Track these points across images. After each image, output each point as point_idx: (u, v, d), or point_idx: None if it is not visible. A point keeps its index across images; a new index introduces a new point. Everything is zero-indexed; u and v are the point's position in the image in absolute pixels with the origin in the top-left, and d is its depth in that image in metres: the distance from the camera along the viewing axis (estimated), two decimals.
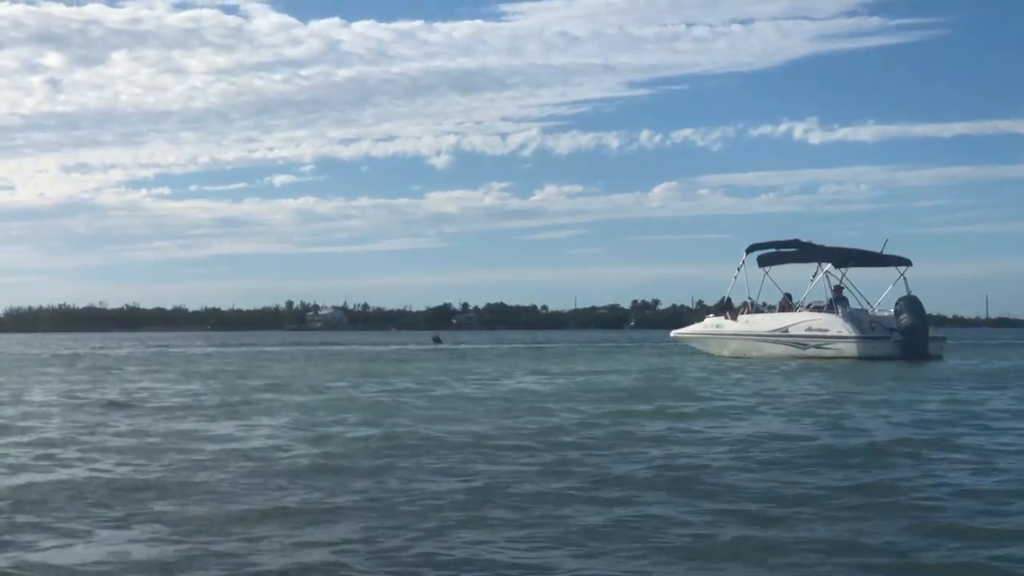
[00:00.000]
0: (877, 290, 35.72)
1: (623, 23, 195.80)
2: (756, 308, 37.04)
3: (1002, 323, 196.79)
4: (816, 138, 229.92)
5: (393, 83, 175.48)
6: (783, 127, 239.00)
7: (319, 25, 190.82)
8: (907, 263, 35.09)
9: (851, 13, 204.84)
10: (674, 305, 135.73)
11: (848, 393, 18.63)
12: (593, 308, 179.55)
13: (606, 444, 11.39)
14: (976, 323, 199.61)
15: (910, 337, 32.53)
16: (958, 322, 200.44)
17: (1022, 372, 26.03)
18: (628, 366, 31.38)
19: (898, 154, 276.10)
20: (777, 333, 34.92)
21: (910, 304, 33.13)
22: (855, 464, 9.78)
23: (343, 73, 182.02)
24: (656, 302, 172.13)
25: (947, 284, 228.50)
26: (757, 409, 15.64)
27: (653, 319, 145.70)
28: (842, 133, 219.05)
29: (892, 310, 33.60)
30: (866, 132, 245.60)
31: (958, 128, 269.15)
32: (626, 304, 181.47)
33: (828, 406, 15.99)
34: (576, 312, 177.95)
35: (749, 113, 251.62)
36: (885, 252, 35.42)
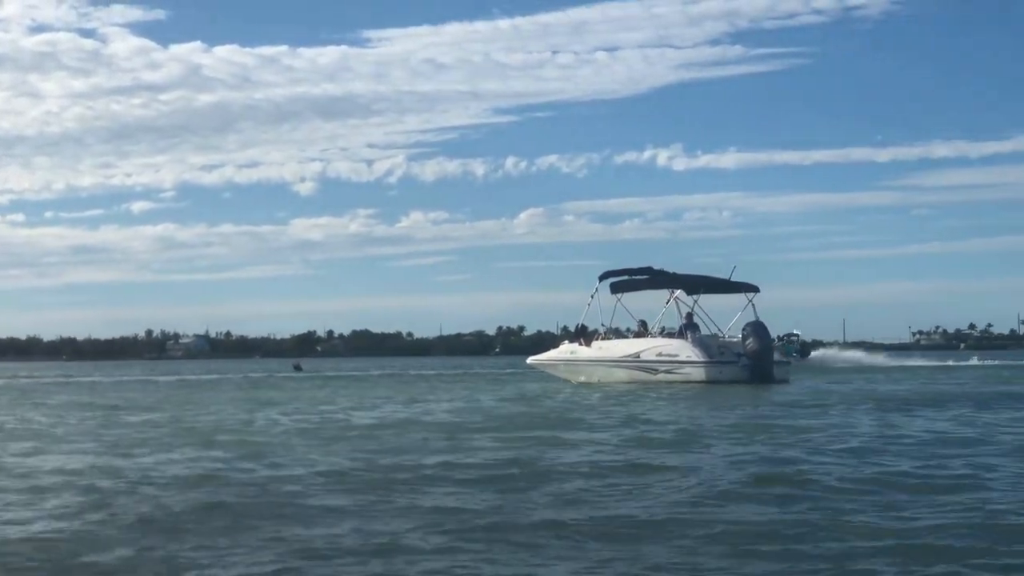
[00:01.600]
0: (730, 316, 36.51)
1: (489, 50, 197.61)
2: (621, 334, 37.59)
3: (859, 346, 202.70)
4: (680, 165, 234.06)
5: (256, 109, 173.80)
6: (647, 154, 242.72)
7: (180, 49, 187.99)
8: (755, 289, 36.05)
9: (714, 42, 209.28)
10: (539, 331, 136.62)
11: (695, 416, 18.89)
12: (459, 335, 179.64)
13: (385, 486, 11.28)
14: (834, 346, 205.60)
15: (756, 362, 33.25)
16: (817, 346, 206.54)
17: (853, 395, 26.73)
18: (451, 398, 31.29)
19: (760, 181, 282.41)
20: (629, 359, 35.40)
21: (756, 330, 33.91)
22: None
23: (204, 98, 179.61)
24: (521, 328, 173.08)
25: (807, 309, 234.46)
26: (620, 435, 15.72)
27: (518, 345, 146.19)
28: (705, 160, 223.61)
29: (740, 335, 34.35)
30: (729, 159, 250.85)
31: (818, 156, 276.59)
32: (491, 331, 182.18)
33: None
34: (442, 339, 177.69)
35: (614, 140, 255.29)
36: (733, 279, 36.31)
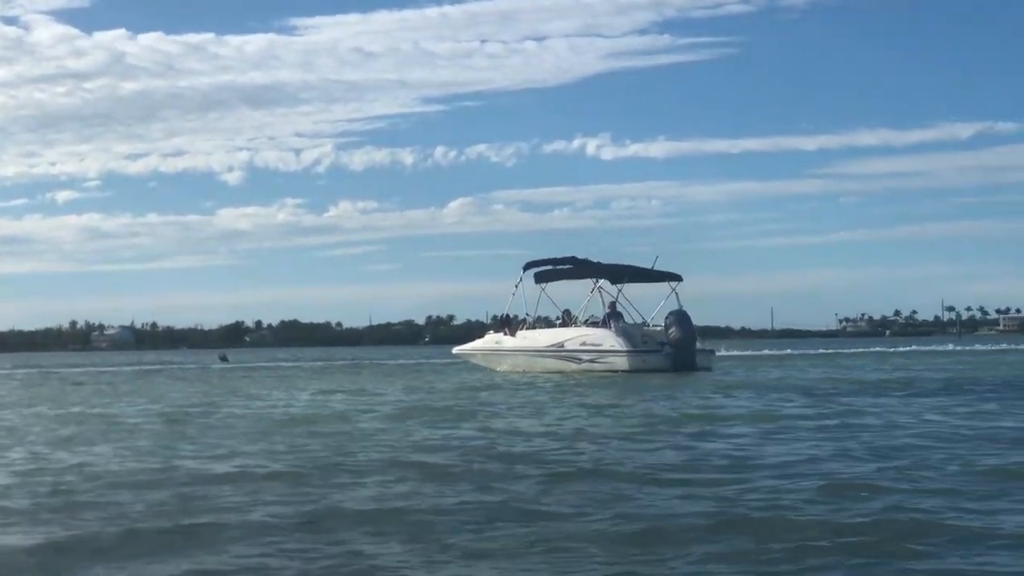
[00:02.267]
0: (655, 305, 36.61)
1: (418, 39, 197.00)
2: (549, 323, 37.63)
3: (787, 334, 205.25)
4: (608, 154, 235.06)
5: (182, 97, 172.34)
6: (576, 143, 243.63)
7: (104, 37, 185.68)
8: (678, 278, 36.17)
9: (642, 31, 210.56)
10: (469, 321, 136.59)
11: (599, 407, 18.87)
12: (388, 324, 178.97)
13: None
14: (762, 335, 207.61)
15: (679, 350, 33.35)
16: (746, 334, 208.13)
17: (771, 383, 26.95)
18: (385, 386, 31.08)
19: (688, 170, 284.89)
20: (553, 348, 35.38)
21: (679, 318, 34.02)
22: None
23: (129, 86, 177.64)
24: (451, 318, 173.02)
25: (736, 297, 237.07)
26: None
27: (448, 335, 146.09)
28: (634, 149, 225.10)
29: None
30: (657, 148, 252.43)
31: (746, 145, 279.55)
32: (421, 320, 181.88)
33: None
34: (372, 329, 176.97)
35: (543, 129, 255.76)
36: (656, 268, 36.40)
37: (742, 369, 37.30)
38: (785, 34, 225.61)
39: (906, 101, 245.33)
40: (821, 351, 68.85)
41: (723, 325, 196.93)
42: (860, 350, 70.01)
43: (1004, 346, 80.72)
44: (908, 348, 72.59)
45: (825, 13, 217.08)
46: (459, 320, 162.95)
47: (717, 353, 39.86)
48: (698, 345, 34.82)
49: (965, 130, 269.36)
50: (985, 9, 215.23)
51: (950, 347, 75.93)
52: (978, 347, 74.59)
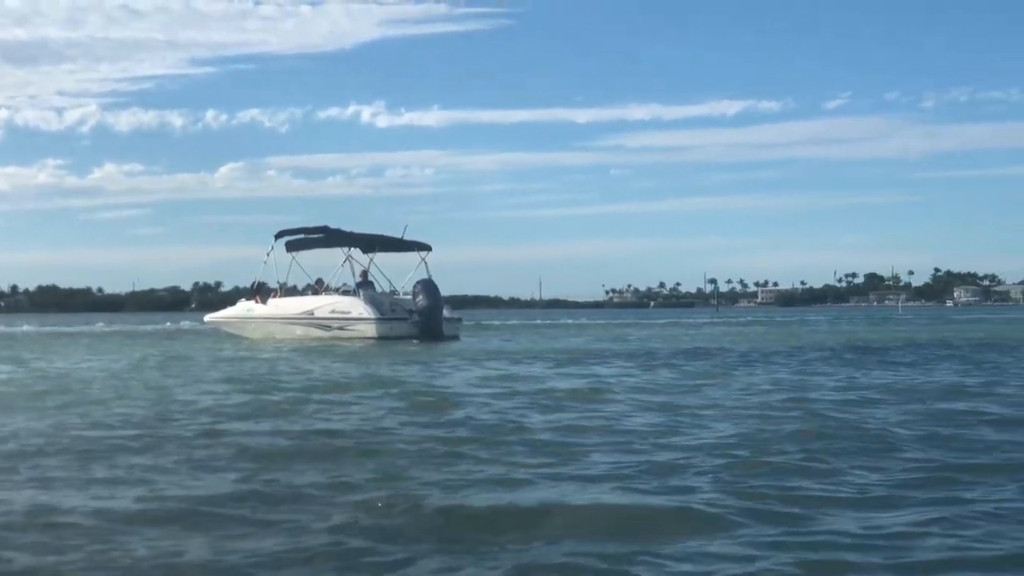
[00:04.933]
0: (406, 275, 37.35)
1: None
2: (292, 291, 37.75)
3: (555, 304, 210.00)
4: (383, 122, 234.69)
5: None
6: (351, 110, 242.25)
7: None
8: (427, 248, 37.14)
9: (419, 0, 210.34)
10: (237, 287, 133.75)
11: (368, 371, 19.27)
12: (153, 290, 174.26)
13: None
14: (531, 304, 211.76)
15: (426, 319, 34.10)
16: (514, 303, 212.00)
17: (509, 352, 27.91)
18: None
19: (463, 139, 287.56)
20: (303, 316, 35.66)
21: (426, 287, 34.78)
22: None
23: None
24: (219, 284, 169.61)
25: (507, 266, 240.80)
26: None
27: (215, 301, 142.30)
28: (408, 117, 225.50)
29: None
30: (432, 117, 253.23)
31: (520, 116, 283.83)
32: (187, 286, 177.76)
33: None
34: (135, 295, 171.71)
35: (317, 95, 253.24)
36: (406, 238, 37.12)
37: (499, 338, 38.27)
38: (560, 7, 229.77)
39: (677, 77, 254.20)
40: (567, 321, 70.95)
41: (492, 294, 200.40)
42: (600, 321, 72.41)
43: (749, 318, 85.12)
44: (650, 321, 75.36)
45: None
46: (227, 287, 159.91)
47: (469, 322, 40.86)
48: (446, 313, 35.68)
49: (732, 107, 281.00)
50: None
51: (690, 320, 79.39)
52: (713, 320, 78.26)
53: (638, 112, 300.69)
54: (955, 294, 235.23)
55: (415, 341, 32.38)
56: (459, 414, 11.88)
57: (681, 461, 8.38)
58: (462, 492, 7.22)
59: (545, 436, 9.94)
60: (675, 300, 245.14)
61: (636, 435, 9.92)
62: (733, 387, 15.32)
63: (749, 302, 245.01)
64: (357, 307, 34.62)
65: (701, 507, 6.63)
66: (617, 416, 11.62)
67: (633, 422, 11.07)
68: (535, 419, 11.36)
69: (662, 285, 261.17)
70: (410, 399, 13.68)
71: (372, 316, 34.14)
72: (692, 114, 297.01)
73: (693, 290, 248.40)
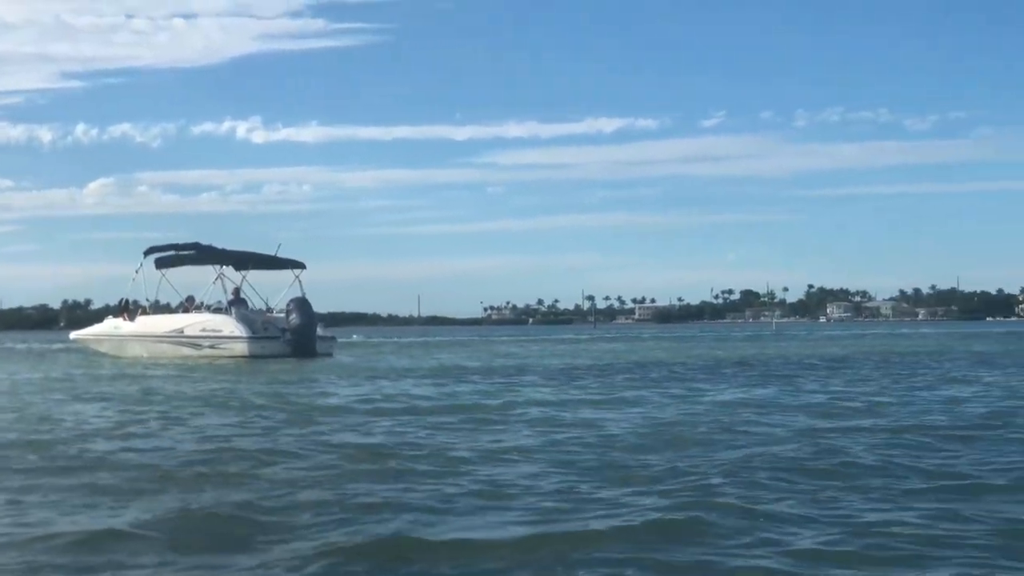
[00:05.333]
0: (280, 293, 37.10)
1: (59, 11, 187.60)
2: (164, 309, 37.19)
3: (433, 321, 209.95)
4: (259, 137, 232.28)
5: None
6: (226, 125, 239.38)
7: None
8: (301, 266, 36.90)
9: (296, 14, 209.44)
10: (107, 305, 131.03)
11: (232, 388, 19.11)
12: (20, 309, 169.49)
13: None
14: (409, 321, 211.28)
15: (299, 337, 33.95)
16: (393, 320, 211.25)
17: (380, 369, 27.99)
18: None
19: (341, 155, 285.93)
20: (173, 334, 35.15)
21: (299, 305, 34.65)
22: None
23: None
24: (88, 302, 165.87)
25: (385, 283, 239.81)
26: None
27: (84, 319, 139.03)
28: (285, 133, 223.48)
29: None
30: (309, 133, 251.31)
31: (399, 132, 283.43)
32: (57, 304, 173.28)
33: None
34: (1, 313, 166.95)
35: (191, 110, 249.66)
36: (280, 255, 36.91)
37: (373, 356, 38.19)
38: (438, 23, 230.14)
39: (554, 95, 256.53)
40: (418, 339, 71.11)
41: (371, 312, 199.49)
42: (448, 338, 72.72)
43: (614, 333, 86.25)
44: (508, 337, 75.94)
45: (477, 5, 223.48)
46: (97, 305, 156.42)
47: (350, 340, 40.73)
48: (319, 332, 35.55)
49: (609, 125, 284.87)
50: (630, 9, 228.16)
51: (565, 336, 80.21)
52: (579, 336, 79.22)
53: (516, 129, 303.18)
54: (828, 310, 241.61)
55: (287, 359, 32.24)
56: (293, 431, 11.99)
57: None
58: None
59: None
60: (554, 317, 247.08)
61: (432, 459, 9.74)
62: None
63: (627, 319, 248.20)
64: (228, 325, 34.29)
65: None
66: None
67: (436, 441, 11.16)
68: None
69: (540, 302, 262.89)
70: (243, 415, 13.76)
71: (244, 334, 33.85)
72: (570, 131, 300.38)
73: (571, 307, 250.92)
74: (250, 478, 8.71)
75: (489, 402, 16.05)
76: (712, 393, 17.76)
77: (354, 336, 50.88)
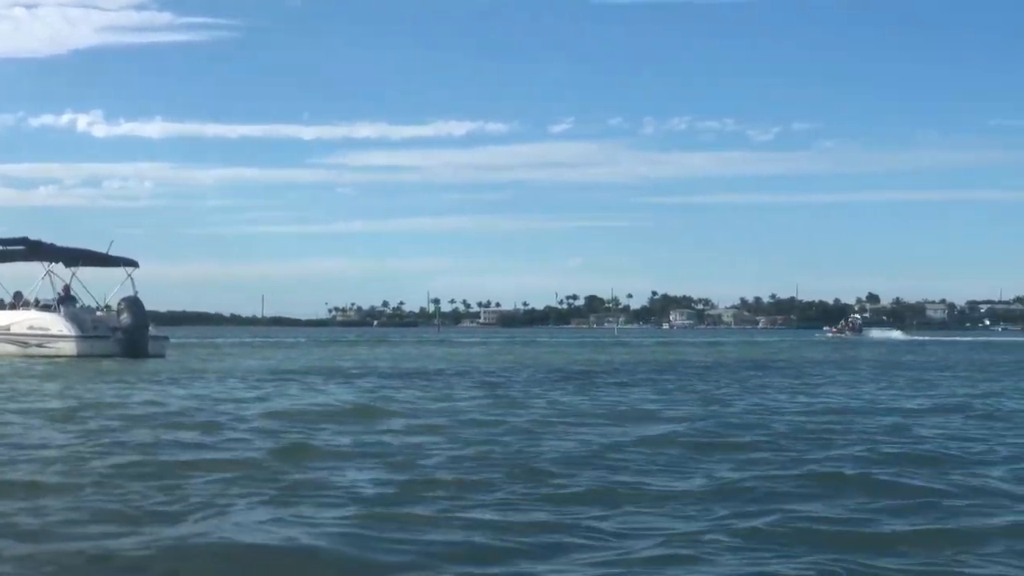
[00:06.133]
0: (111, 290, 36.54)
1: None
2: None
3: (277, 322, 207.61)
4: (101, 131, 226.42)
5: None
6: (66, 118, 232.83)
7: None
8: (134, 264, 36.47)
9: (141, 7, 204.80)
10: None
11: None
12: None
13: None
14: (253, 322, 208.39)
15: (130, 336, 33.53)
16: (236, 320, 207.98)
17: (212, 370, 27.93)
18: None
19: (186, 152, 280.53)
20: None
21: (131, 304, 34.28)
22: None
23: None
24: None
25: (229, 283, 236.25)
26: None
27: None
28: (128, 128, 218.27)
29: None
30: (153, 128, 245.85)
31: (245, 130, 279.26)
32: None
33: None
34: None
35: (30, 102, 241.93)
36: (112, 253, 36.39)
37: (207, 357, 37.85)
38: (287, 21, 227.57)
39: (405, 97, 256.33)
40: (285, 339, 70.69)
41: (213, 311, 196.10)
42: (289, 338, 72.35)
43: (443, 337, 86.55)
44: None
45: (327, 3, 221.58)
46: None
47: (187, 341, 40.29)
48: (151, 331, 35.15)
49: (459, 128, 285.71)
50: (487, 14, 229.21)
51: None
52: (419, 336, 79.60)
53: (365, 130, 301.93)
54: (671, 317, 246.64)
55: (115, 359, 31.81)
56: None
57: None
58: None
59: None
60: (399, 319, 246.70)
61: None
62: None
63: (472, 322, 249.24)
64: (57, 324, 33.67)
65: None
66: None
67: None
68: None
69: (385, 304, 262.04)
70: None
71: (72, 333, 33.29)
72: (419, 134, 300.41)
73: (416, 309, 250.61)
74: None
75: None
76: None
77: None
